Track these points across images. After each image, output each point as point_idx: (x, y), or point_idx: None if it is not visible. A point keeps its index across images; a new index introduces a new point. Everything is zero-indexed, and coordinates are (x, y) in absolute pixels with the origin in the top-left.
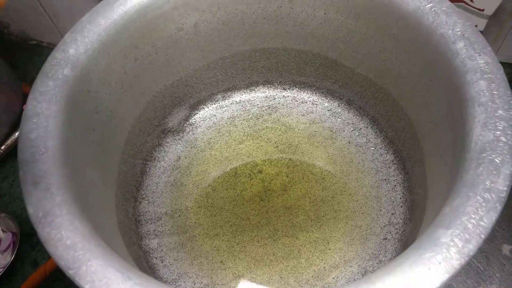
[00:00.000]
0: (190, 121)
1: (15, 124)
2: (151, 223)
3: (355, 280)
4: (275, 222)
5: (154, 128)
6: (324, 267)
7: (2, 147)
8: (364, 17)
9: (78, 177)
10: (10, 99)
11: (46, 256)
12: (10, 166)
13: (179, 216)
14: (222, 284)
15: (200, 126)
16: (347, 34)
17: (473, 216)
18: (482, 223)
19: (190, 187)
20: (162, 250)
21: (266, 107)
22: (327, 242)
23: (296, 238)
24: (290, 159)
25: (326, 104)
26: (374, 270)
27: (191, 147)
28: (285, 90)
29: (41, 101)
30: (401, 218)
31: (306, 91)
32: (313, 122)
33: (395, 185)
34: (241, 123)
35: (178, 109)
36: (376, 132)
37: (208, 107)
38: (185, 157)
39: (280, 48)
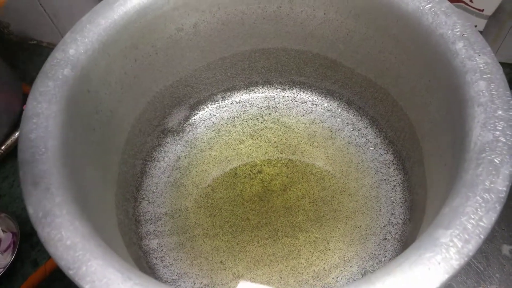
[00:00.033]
0: (190, 121)
1: (15, 124)
2: (151, 223)
3: (355, 280)
4: (275, 222)
5: (154, 128)
6: (324, 267)
7: (2, 147)
8: (364, 17)
9: (78, 177)
10: (10, 99)
11: (46, 256)
12: (10, 166)
13: (179, 216)
14: (222, 284)
15: (200, 126)
16: (347, 35)
17: (473, 217)
18: (481, 224)
19: (190, 187)
20: (162, 250)
21: (266, 107)
22: (327, 242)
23: (296, 238)
24: (289, 159)
25: (326, 104)
26: (373, 270)
27: (191, 147)
28: (284, 90)
29: (41, 101)
30: (400, 218)
31: (305, 91)
32: (312, 122)
33: (394, 185)
34: (241, 123)
35: (178, 110)
36: (375, 132)
37: (208, 107)
38: (185, 157)
39: (280, 49)
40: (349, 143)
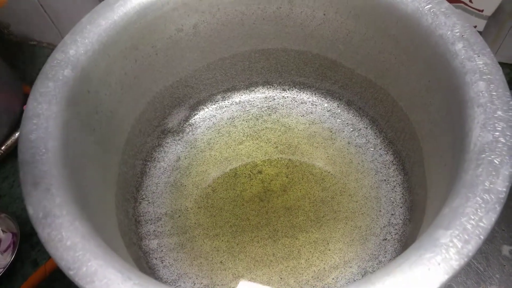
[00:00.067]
0: (190, 121)
1: (15, 125)
2: (151, 224)
3: (355, 280)
4: (275, 222)
5: (154, 128)
6: (324, 268)
7: (2, 148)
8: (364, 18)
9: (78, 177)
10: (10, 99)
11: (46, 256)
12: (10, 166)
13: (179, 216)
14: (222, 284)
15: (200, 126)
16: (347, 35)
17: (473, 217)
18: (481, 224)
19: (190, 187)
20: (162, 250)
21: (266, 108)
22: (327, 242)
23: (296, 239)
24: (289, 159)
25: (326, 105)
26: (374, 271)
27: (191, 148)
28: (284, 90)
29: (41, 102)
30: (400, 219)
31: (305, 92)
32: (312, 122)
33: (394, 186)
34: (241, 124)
35: (178, 110)
36: (375, 133)
37: (207, 108)
38: (185, 158)
39: (280, 49)
40: (349, 143)
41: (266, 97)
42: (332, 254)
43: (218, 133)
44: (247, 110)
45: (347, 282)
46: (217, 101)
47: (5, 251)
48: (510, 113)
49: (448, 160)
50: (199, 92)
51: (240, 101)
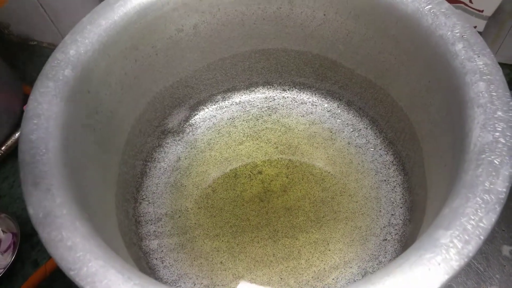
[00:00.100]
0: (190, 122)
1: (16, 125)
2: (151, 224)
3: (355, 281)
4: (275, 223)
5: (154, 129)
6: (324, 268)
7: (3, 148)
8: (364, 18)
9: (79, 178)
10: (10, 99)
11: (47, 256)
12: (10, 166)
13: (179, 217)
14: (222, 285)
15: (200, 127)
16: (347, 35)
17: (473, 217)
18: (481, 224)
19: (190, 188)
20: (162, 251)
21: (266, 108)
22: (327, 243)
23: (296, 239)
24: (290, 160)
25: (326, 105)
26: (374, 271)
27: (191, 148)
28: (284, 91)
29: (42, 102)
30: (400, 219)
31: (305, 92)
32: (312, 123)
33: (394, 186)
34: (241, 124)
35: (178, 110)
36: (375, 133)
37: (208, 108)
38: (185, 158)
39: (280, 49)
40: (349, 143)
41: (266, 98)
42: (332, 254)
43: (218, 134)
44: (247, 111)
45: (347, 282)
46: (217, 102)
47: (5, 251)
48: (510, 114)
49: (448, 160)
50: (199, 92)
51: (240, 101)
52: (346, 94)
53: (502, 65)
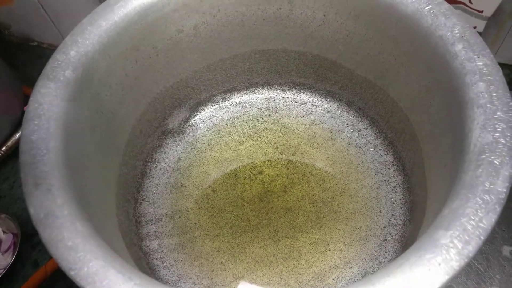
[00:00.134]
0: (190, 122)
1: (16, 125)
2: (151, 224)
3: (355, 281)
4: (275, 223)
5: (154, 129)
6: (324, 268)
7: (3, 148)
8: (363, 18)
9: (79, 178)
10: (10, 100)
11: (47, 256)
12: (11, 167)
13: (180, 217)
14: (222, 285)
15: (200, 127)
16: (347, 36)
17: (473, 218)
18: (481, 225)
19: (190, 188)
20: (162, 251)
21: (266, 109)
22: (327, 243)
23: (296, 239)
24: (290, 160)
25: (326, 106)
26: (374, 271)
27: (191, 148)
28: (284, 91)
29: (43, 103)
30: (401, 220)
31: (305, 93)
32: (312, 123)
33: (394, 186)
34: (241, 124)
35: (178, 111)
36: (375, 133)
37: (208, 109)
38: (185, 158)
39: (280, 50)
40: (349, 144)
41: (266, 98)
42: (333, 254)
43: (218, 134)
44: (247, 111)
45: (348, 282)
46: (217, 102)
47: (5, 251)
48: (510, 114)
49: (448, 161)
50: (200, 93)
51: (240, 102)
52: (346, 95)
53: (502, 65)
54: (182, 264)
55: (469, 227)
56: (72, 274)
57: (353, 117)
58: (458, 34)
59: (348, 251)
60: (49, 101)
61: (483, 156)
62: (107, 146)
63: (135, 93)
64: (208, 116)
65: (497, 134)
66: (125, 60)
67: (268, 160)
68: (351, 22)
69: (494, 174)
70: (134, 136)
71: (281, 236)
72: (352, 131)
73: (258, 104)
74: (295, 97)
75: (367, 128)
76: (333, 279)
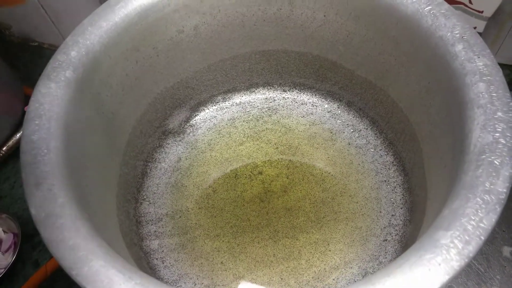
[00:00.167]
0: (191, 122)
1: (16, 126)
2: (152, 224)
3: (355, 281)
4: (276, 223)
5: (155, 129)
6: (325, 268)
7: (4, 149)
8: (364, 19)
9: (80, 178)
10: (11, 100)
11: (47, 256)
12: (11, 167)
13: (180, 217)
14: (222, 285)
15: (200, 127)
16: (347, 36)
17: (473, 218)
18: (481, 225)
19: (191, 188)
20: (163, 251)
21: (266, 109)
22: (327, 243)
23: (297, 239)
24: (290, 160)
25: (326, 106)
26: (374, 272)
27: (192, 149)
28: (285, 91)
29: (43, 103)
30: (401, 220)
31: (306, 93)
32: (313, 123)
33: (395, 187)
34: (241, 125)
35: (178, 111)
36: (376, 134)
37: (208, 109)
38: (186, 159)
39: (280, 50)
40: (349, 144)
41: (266, 98)
42: (333, 254)
43: (218, 134)
44: (248, 111)
45: (348, 282)
46: (217, 102)
47: (6, 251)
48: (510, 114)
49: (448, 161)
50: (200, 93)
51: (240, 102)
52: (346, 95)
53: (502, 65)
54: (183, 264)
55: (470, 227)
56: (73, 273)
57: (353, 117)
58: (458, 35)
59: (348, 251)
60: (50, 101)
61: (483, 156)
62: (107, 146)
63: (136, 93)
64: (208, 116)
65: (497, 134)
66: (126, 61)
67: (268, 160)
68: (351, 23)
69: (494, 174)
70: (135, 136)
71: (281, 236)
72: (352, 132)
73: (258, 105)
74: (296, 97)
75: (367, 129)
76: (333, 279)
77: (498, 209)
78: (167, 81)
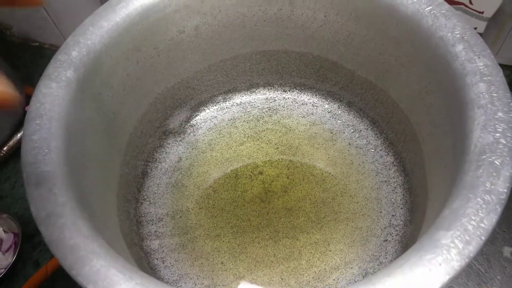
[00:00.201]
0: (191, 122)
1: (17, 125)
2: (152, 224)
3: (355, 281)
4: (276, 223)
5: (155, 129)
6: (325, 269)
7: (4, 148)
8: (364, 19)
9: (80, 178)
10: None
11: (48, 256)
12: (12, 167)
13: (180, 217)
14: (223, 285)
15: (201, 127)
16: (347, 37)
17: (473, 218)
18: (482, 225)
19: (191, 188)
20: (163, 251)
21: (267, 109)
22: (328, 243)
23: (297, 240)
24: (290, 160)
25: (327, 106)
26: (374, 272)
27: (192, 149)
28: (285, 92)
29: (44, 103)
30: (401, 220)
31: (306, 93)
32: (313, 123)
33: (395, 187)
34: (242, 125)
35: (179, 111)
36: (376, 134)
37: (209, 109)
38: (186, 158)
39: (281, 51)
40: (349, 144)
41: (267, 98)
42: (333, 255)
43: (219, 134)
44: (248, 111)
45: (348, 283)
46: (218, 102)
47: (6, 251)
48: (511, 114)
49: (448, 161)
50: (200, 93)
51: (241, 102)
52: (347, 95)
53: (503, 66)
54: (183, 264)
55: (470, 227)
56: (73, 273)
57: (353, 117)
58: (458, 35)
59: (349, 252)
60: (51, 101)
61: (484, 156)
62: (108, 146)
63: (137, 93)
64: (209, 116)
65: (498, 134)
66: (127, 61)
67: (268, 161)
68: (352, 23)
69: (495, 174)
70: (135, 136)
71: (281, 236)
72: (353, 132)
73: (259, 105)
74: (296, 97)
75: (367, 129)
76: (334, 280)
77: (499, 209)
78: (168, 81)
